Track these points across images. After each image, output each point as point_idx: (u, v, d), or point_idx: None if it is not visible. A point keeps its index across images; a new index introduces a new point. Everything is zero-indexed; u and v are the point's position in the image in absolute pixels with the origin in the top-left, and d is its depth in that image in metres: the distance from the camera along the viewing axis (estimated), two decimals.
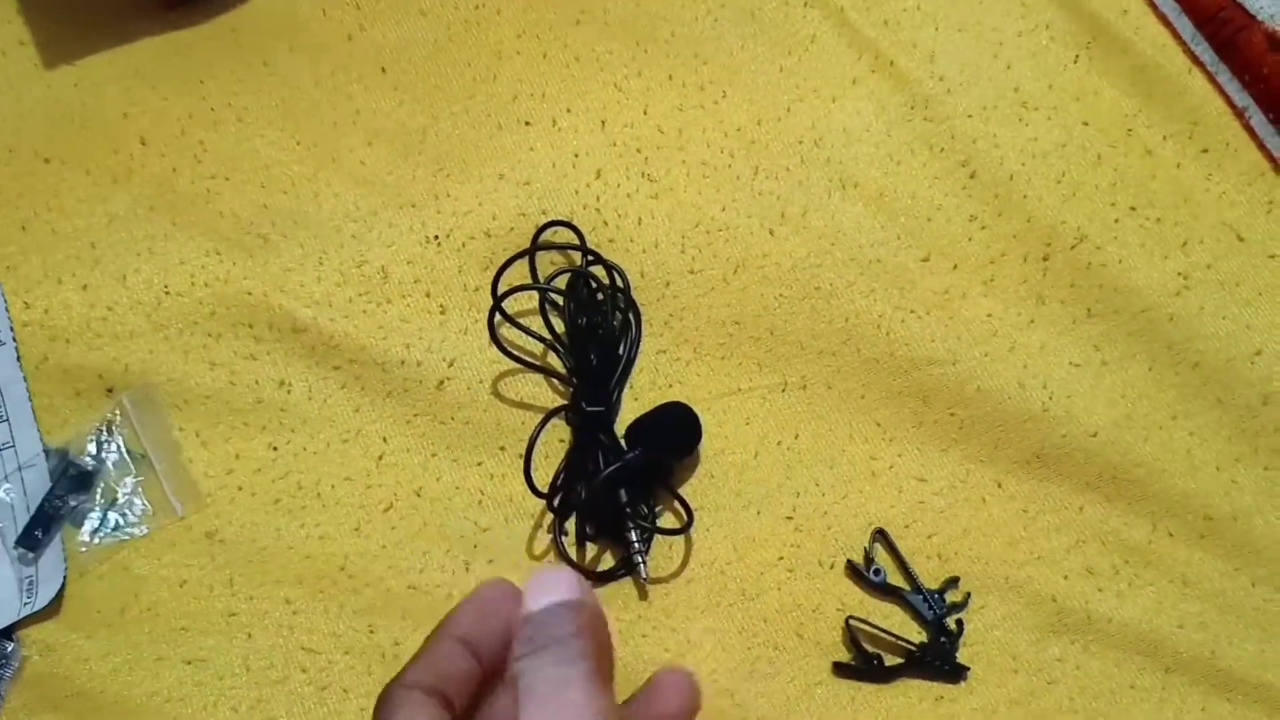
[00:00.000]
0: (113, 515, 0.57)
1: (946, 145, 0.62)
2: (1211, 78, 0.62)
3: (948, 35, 0.64)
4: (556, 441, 0.58)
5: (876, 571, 0.55)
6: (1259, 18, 0.63)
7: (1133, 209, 0.61)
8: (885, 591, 0.55)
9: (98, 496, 0.57)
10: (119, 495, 0.57)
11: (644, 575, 0.55)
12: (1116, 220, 0.61)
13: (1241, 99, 0.62)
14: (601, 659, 0.31)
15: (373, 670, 0.54)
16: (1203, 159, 0.62)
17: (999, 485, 0.58)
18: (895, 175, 0.62)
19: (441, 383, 0.59)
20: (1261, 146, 0.61)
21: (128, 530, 0.56)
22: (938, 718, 0.54)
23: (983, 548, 0.57)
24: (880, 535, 0.56)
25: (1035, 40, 0.64)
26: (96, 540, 0.56)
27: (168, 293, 0.59)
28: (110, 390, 0.58)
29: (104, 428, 0.58)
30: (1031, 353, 0.59)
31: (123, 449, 0.58)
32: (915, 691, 0.55)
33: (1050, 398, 0.58)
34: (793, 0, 0.65)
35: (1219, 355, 0.58)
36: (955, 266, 0.60)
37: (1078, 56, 0.64)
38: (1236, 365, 0.58)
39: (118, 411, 0.58)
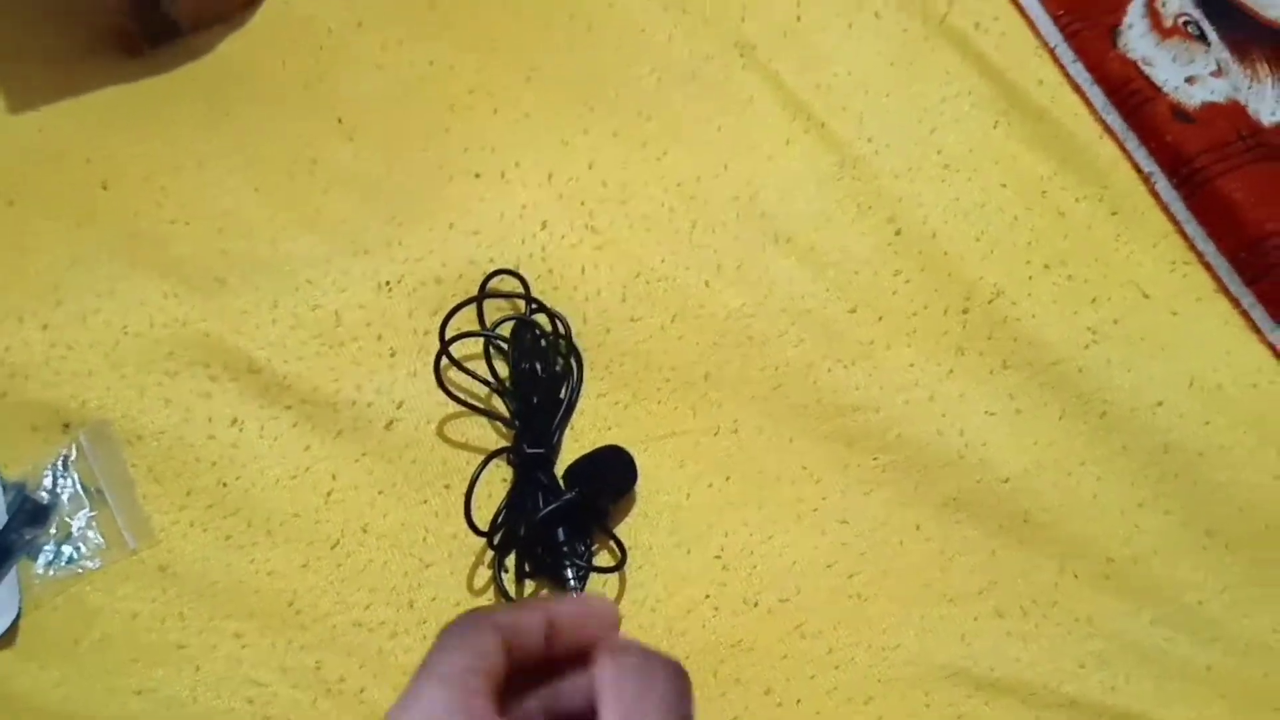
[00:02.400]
0: (67, 548, 0.59)
1: (874, 203, 0.66)
2: (1121, 145, 0.66)
3: (876, 100, 0.68)
4: (499, 481, 0.61)
5: None
6: (1164, 90, 0.67)
7: (1046, 266, 0.65)
8: None
9: (53, 530, 0.59)
10: (73, 529, 0.59)
11: None
12: (1031, 277, 0.64)
13: (1148, 165, 0.66)
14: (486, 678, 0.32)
15: (318, 704, 0.57)
16: (1112, 220, 0.66)
17: (917, 528, 0.61)
18: (825, 230, 0.65)
19: (390, 423, 0.61)
20: (1165, 210, 0.65)
21: (82, 564, 0.58)
22: None
23: (900, 588, 0.60)
24: None
25: (958, 106, 0.68)
26: (51, 573, 0.58)
27: (126, 333, 0.62)
28: (67, 426, 0.60)
29: (60, 463, 0.60)
30: (950, 401, 0.62)
31: (78, 484, 0.60)
32: None
33: (966, 445, 0.61)
34: (732, 63, 0.69)
35: (1124, 405, 0.62)
36: (880, 318, 0.64)
37: (997, 122, 0.67)
38: (1140, 415, 0.62)
39: (74, 447, 0.60)
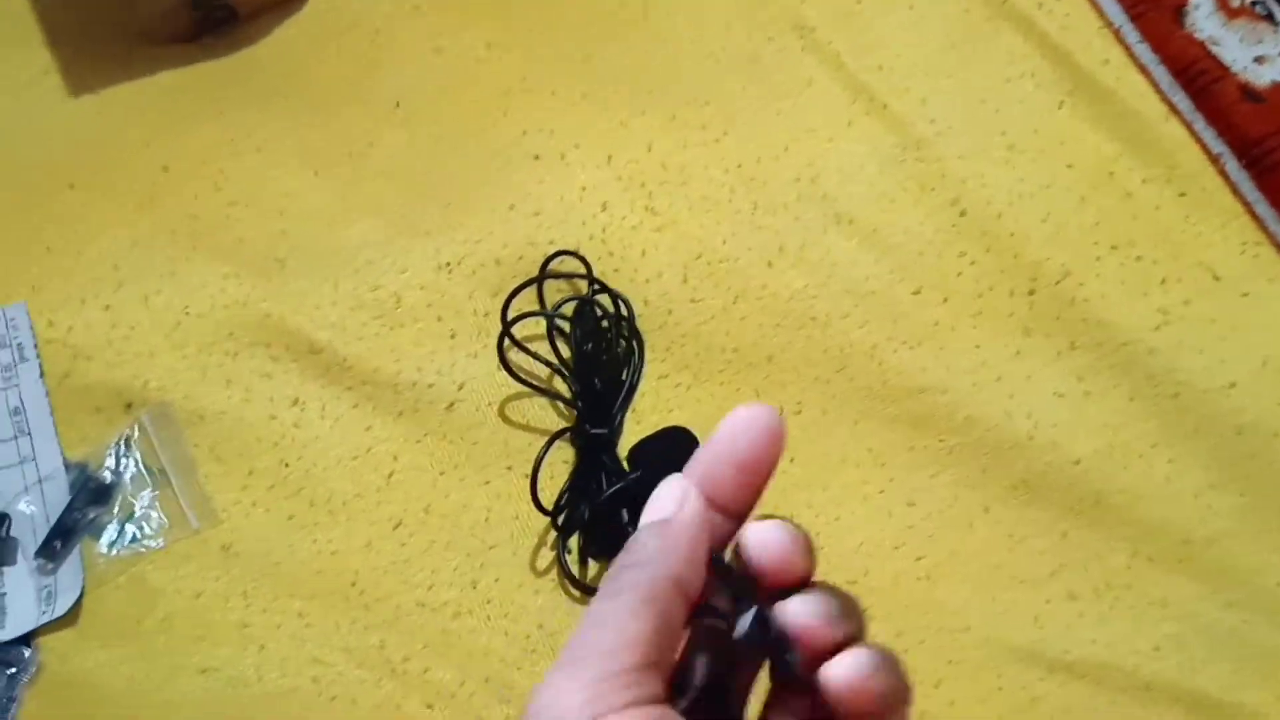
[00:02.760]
0: (130, 528, 0.59)
1: (937, 184, 0.65)
2: (1188, 125, 0.65)
3: (939, 81, 0.67)
4: (561, 463, 0.60)
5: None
6: (1232, 70, 0.66)
7: (1114, 247, 0.64)
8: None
9: (115, 510, 0.59)
10: (136, 509, 0.59)
11: None
12: (1099, 258, 0.63)
13: (1216, 145, 0.65)
14: (657, 587, 0.30)
15: (382, 684, 0.56)
16: (1180, 201, 0.65)
17: (986, 510, 0.60)
18: (888, 212, 0.65)
19: (451, 404, 0.61)
20: (1235, 190, 0.64)
21: (145, 543, 0.58)
22: None
23: (970, 570, 0.59)
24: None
25: (1021, 87, 0.67)
26: (114, 552, 0.58)
27: (187, 313, 0.62)
28: (129, 406, 0.60)
29: (122, 443, 0.60)
30: (1018, 382, 0.61)
31: (140, 464, 0.60)
32: None
33: (1035, 426, 0.61)
34: (791, 46, 0.68)
35: (1196, 387, 0.61)
36: (945, 300, 0.63)
37: (1062, 103, 0.67)
38: (1213, 397, 0.61)
39: (136, 427, 0.60)
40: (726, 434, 0.33)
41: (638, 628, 0.29)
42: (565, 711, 0.28)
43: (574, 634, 0.30)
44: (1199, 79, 0.66)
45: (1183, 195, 0.65)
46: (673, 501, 0.32)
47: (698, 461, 0.34)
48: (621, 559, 0.31)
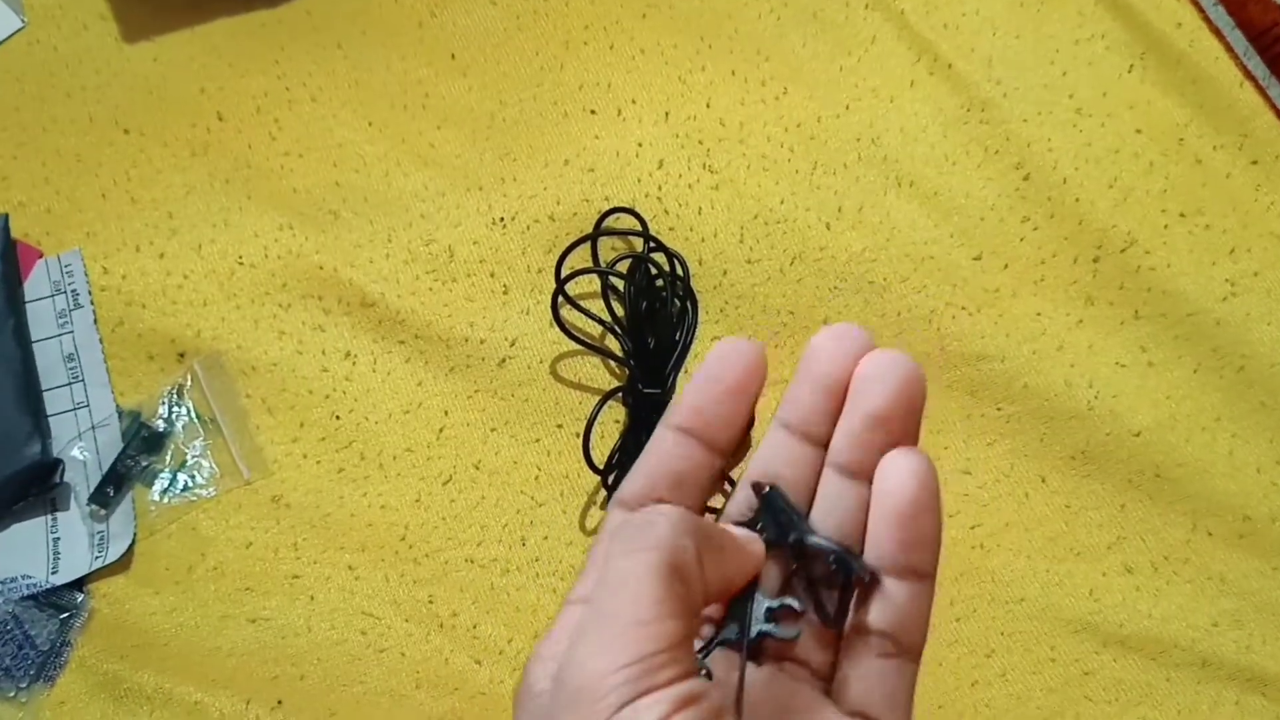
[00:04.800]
0: (182, 477, 0.59)
1: (1001, 147, 0.64)
2: (1263, 91, 0.64)
3: (1005, 41, 0.66)
4: (612, 422, 0.60)
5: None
6: None
7: (1182, 215, 0.62)
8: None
9: (167, 458, 0.59)
10: (188, 458, 0.59)
11: None
12: (1166, 226, 0.62)
13: None
14: (680, 548, 0.29)
15: (430, 638, 0.56)
16: (1252, 170, 0.63)
17: (1043, 480, 0.59)
18: (950, 175, 0.63)
19: (503, 360, 0.60)
20: None
21: (196, 492, 0.58)
22: (974, 702, 0.56)
23: (1024, 541, 0.58)
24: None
25: (1091, 49, 0.65)
26: (166, 500, 0.58)
27: (241, 263, 0.61)
28: (182, 355, 0.60)
29: (175, 391, 0.60)
30: (1079, 352, 0.60)
31: (192, 413, 0.60)
32: (951, 677, 0.56)
33: (1096, 396, 0.59)
34: (854, 2, 0.67)
35: (1264, 360, 0.60)
36: (1006, 266, 0.62)
37: (1132, 66, 0.65)
38: None
39: (189, 376, 0.60)
40: (714, 366, 0.32)
41: (664, 594, 0.28)
42: (599, 684, 0.27)
43: (596, 591, 0.29)
44: (1276, 44, 0.64)
45: (1255, 164, 0.63)
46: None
47: (686, 396, 0.33)
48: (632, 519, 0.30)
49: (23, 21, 0.66)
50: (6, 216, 0.62)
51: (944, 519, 0.32)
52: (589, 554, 0.32)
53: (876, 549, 0.32)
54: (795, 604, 0.32)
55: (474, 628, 0.56)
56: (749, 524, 0.33)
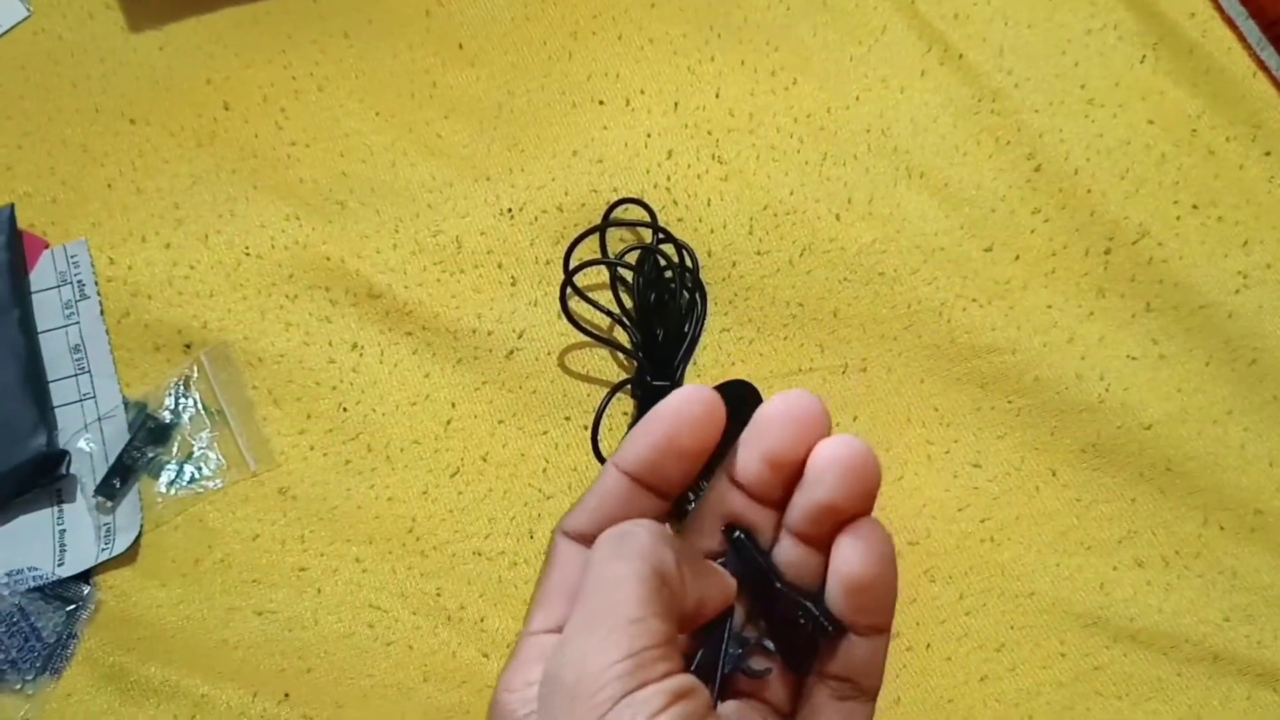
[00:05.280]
0: (188, 468, 0.58)
1: (1013, 138, 0.63)
2: (1276, 82, 0.63)
3: (1017, 31, 0.65)
4: (620, 414, 0.59)
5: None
6: None
7: (1195, 207, 0.62)
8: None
9: (174, 450, 0.59)
10: (194, 449, 0.59)
11: None
12: (1178, 218, 0.62)
13: None
14: (662, 556, 0.30)
15: (438, 631, 0.56)
16: (1265, 161, 0.63)
17: (1053, 474, 0.59)
18: (961, 166, 0.63)
19: (510, 352, 0.60)
20: None
21: (203, 484, 0.58)
22: (983, 696, 0.56)
23: (1035, 535, 0.58)
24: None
25: (1103, 39, 0.65)
26: (172, 492, 0.58)
27: (247, 254, 0.61)
28: (188, 346, 0.60)
29: (181, 383, 0.59)
30: (1090, 344, 0.60)
31: (199, 404, 0.59)
32: (960, 671, 0.56)
33: (1107, 389, 0.59)
34: None
35: (1276, 353, 0.59)
36: (1017, 257, 0.61)
37: (1144, 56, 0.65)
38: None
39: (195, 368, 0.60)
40: (669, 420, 0.32)
41: (651, 595, 0.29)
42: (597, 678, 0.27)
43: (583, 596, 0.29)
44: None
45: (1268, 155, 0.63)
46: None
47: (636, 443, 0.32)
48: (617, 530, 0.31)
49: (28, 10, 0.66)
50: (12, 206, 0.62)
51: (898, 583, 0.32)
52: (539, 585, 0.33)
53: (835, 608, 0.32)
54: (768, 644, 0.33)
55: (481, 620, 0.56)
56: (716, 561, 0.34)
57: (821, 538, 0.33)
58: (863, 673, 0.33)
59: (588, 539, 0.32)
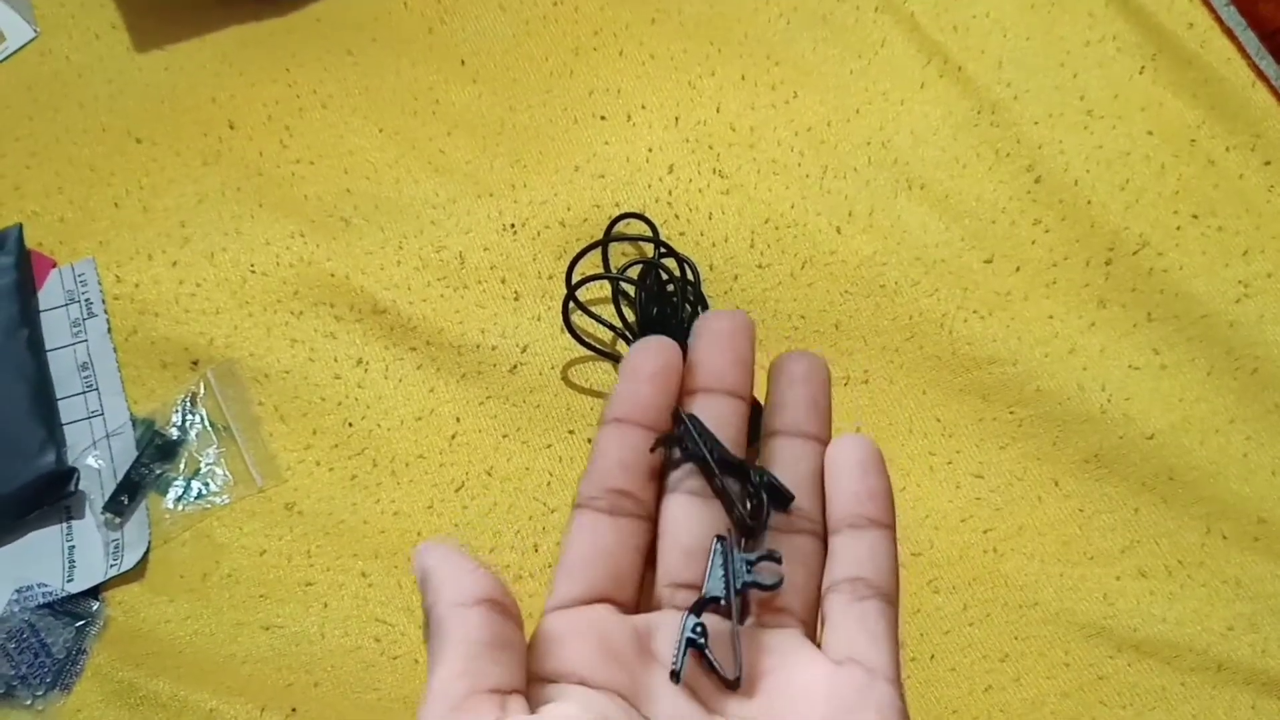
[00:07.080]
0: (196, 484, 0.59)
1: (1012, 150, 0.63)
2: (1276, 92, 0.63)
3: (1016, 43, 0.65)
4: None
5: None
6: None
7: (1195, 217, 0.62)
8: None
9: (181, 466, 0.59)
10: (202, 465, 0.59)
11: None
12: (1179, 228, 0.62)
13: None
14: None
15: None
16: (1265, 171, 0.63)
17: (1056, 484, 0.59)
18: (961, 178, 0.63)
19: (514, 367, 0.61)
20: None
21: (210, 499, 0.59)
22: (988, 707, 0.56)
23: (1037, 545, 0.58)
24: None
25: (1102, 50, 0.65)
26: (180, 508, 0.58)
27: (253, 271, 0.62)
28: (195, 363, 0.61)
29: (188, 399, 0.60)
30: (1091, 355, 0.60)
31: (206, 421, 0.60)
32: (964, 682, 0.56)
33: (1109, 399, 0.59)
34: (864, 5, 0.67)
35: (1278, 362, 0.60)
36: (1018, 269, 0.62)
37: (1143, 67, 0.65)
38: None
39: (202, 384, 0.60)
40: (635, 356, 0.37)
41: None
42: None
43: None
44: None
45: (1268, 164, 0.63)
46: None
47: (616, 393, 0.36)
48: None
49: (35, 31, 0.67)
50: (20, 226, 0.62)
51: (892, 487, 0.35)
52: (560, 559, 0.35)
53: (837, 506, 0.35)
54: (774, 551, 0.34)
55: None
56: (669, 443, 0.35)
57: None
58: (870, 570, 0.34)
59: (600, 504, 0.34)
